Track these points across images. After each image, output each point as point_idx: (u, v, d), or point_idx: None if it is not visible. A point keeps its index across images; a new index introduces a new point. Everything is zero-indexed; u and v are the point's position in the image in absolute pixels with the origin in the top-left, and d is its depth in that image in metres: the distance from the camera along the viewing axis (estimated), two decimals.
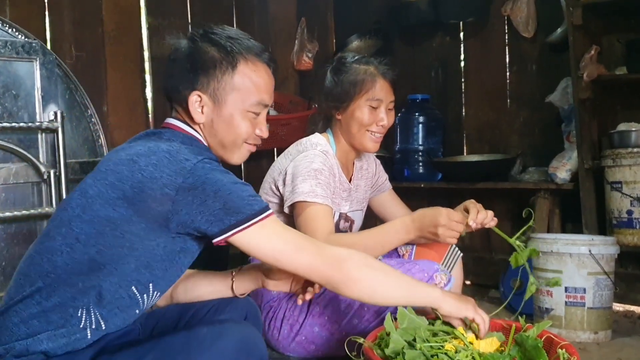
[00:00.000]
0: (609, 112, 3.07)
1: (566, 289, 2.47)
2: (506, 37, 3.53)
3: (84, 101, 2.68)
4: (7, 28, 2.46)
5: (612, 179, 2.77)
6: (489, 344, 1.52)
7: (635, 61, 2.83)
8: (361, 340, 1.56)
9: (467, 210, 1.96)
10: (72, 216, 1.35)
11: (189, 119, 1.50)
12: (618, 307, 2.91)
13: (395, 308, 1.58)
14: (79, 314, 1.32)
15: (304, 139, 2.15)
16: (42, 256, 1.35)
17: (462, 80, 3.73)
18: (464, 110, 3.74)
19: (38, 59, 2.45)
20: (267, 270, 1.63)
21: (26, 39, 2.47)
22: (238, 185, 1.37)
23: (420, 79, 3.87)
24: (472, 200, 1.98)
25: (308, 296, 1.61)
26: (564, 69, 3.09)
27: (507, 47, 3.53)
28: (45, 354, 1.30)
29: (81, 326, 1.32)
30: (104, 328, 1.35)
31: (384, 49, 3.83)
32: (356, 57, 2.16)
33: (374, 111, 2.09)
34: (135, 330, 1.51)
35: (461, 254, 2.25)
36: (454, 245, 2.20)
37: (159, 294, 1.43)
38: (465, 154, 3.71)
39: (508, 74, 3.55)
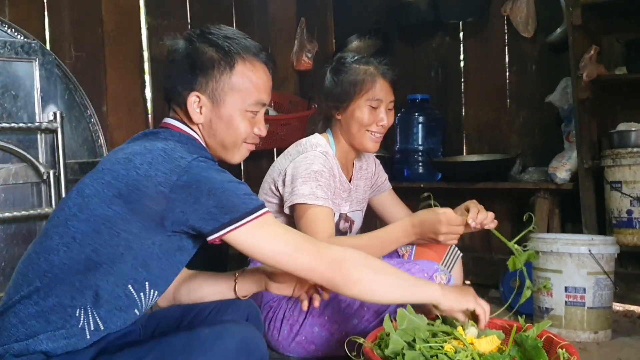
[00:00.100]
0: (609, 112, 3.07)
1: (566, 289, 2.47)
2: (506, 37, 3.53)
3: (84, 101, 2.67)
4: (6, 28, 2.46)
5: (612, 179, 2.77)
6: (489, 342, 1.52)
7: (635, 61, 2.83)
8: (361, 340, 1.56)
9: (467, 210, 1.96)
10: (68, 215, 1.36)
11: (187, 119, 1.50)
12: (618, 306, 2.91)
13: (395, 308, 1.59)
14: (77, 314, 1.32)
15: (304, 140, 2.15)
16: (39, 256, 1.35)
17: (462, 80, 3.73)
18: (463, 110, 3.74)
19: (37, 59, 2.45)
20: (270, 273, 1.63)
21: (25, 40, 2.47)
22: (233, 183, 1.36)
23: (420, 79, 3.87)
24: (474, 201, 1.99)
25: (317, 303, 1.62)
26: (563, 69, 3.09)
27: (506, 47, 3.53)
28: (46, 353, 1.30)
29: (80, 326, 1.32)
30: (102, 329, 1.35)
31: (383, 49, 3.83)
32: (356, 57, 2.16)
33: (374, 111, 2.09)
34: (136, 331, 1.51)
35: (461, 254, 2.25)
36: (453, 245, 2.21)
37: (156, 292, 1.42)
38: (465, 154, 3.71)
39: (508, 74, 3.55)
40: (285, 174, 2.04)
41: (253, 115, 1.52)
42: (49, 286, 1.32)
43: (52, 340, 1.30)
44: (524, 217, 1.91)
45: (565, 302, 2.47)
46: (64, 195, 2.42)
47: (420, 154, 3.63)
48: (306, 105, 3.82)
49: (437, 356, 1.45)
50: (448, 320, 1.62)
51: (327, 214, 1.98)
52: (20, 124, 2.37)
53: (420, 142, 3.62)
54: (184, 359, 1.27)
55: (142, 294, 1.39)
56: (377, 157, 2.45)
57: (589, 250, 2.44)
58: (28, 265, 1.37)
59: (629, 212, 2.72)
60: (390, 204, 2.40)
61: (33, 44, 2.44)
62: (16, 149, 2.37)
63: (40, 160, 2.44)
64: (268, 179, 2.15)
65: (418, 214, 2.00)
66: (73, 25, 2.98)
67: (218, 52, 1.47)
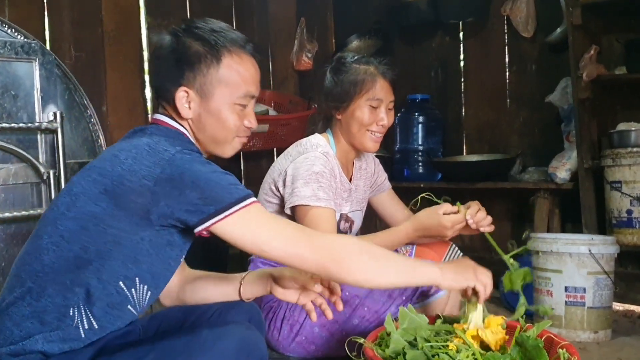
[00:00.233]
0: (609, 111, 3.07)
1: (566, 289, 2.47)
2: (506, 37, 3.53)
3: (84, 101, 2.67)
4: (6, 28, 2.45)
5: (612, 179, 2.77)
6: (494, 333, 1.52)
7: (635, 61, 2.83)
8: (361, 340, 1.56)
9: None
10: (57, 215, 1.36)
11: (177, 115, 1.49)
12: (618, 306, 2.91)
13: (396, 308, 1.58)
14: (71, 313, 1.32)
15: (304, 140, 2.15)
16: (30, 256, 1.35)
17: (462, 80, 3.73)
18: (463, 110, 3.74)
19: (37, 59, 2.44)
20: (276, 277, 1.61)
21: (25, 40, 2.47)
22: (217, 174, 1.34)
23: (420, 79, 3.87)
24: (476, 201, 2.00)
25: (329, 314, 1.60)
26: (563, 69, 3.09)
27: (506, 47, 3.54)
28: (43, 353, 1.30)
29: (74, 325, 1.32)
30: (96, 327, 1.34)
31: (383, 49, 3.83)
32: (356, 57, 2.16)
33: (374, 111, 2.09)
34: (136, 330, 1.50)
35: (461, 254, 2.25)
36: (454, 245, 2.22)
37: (145, 287, 1.40)
38: (465, 153, 3.72)
39: (508, 73, 3.55)
40: (286, 175, 2.04)
41: (242, 108, 1.50)
42: (41, 286, 1.32)
43: (48, 341, 1.30)
44: (523, 235, 1.90)
45: (565, 302, 2.47)
46: None
47: (420, 154, 3.63)
48: (306, 105, 3.82)
49: (438, 355, 1.45)
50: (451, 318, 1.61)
51: (330, 215, 1.98)
52: (20, 124, 2.37)
53: (420, 142, 3.62)
54: (184, 359, 1.27)
55: (133, 290, 1.38)
56: (377, 157, 2.45)
57: (589, 250, 2.44)
58: (20, 267, 1.37)
59: (629, 211, 2.72)
60: (389, 203, 2.40)
61: (33, 44, 2.44)
62: (16, 149, 2.37)
63: (40, 160, 2.44)
64: (268, 179, 2.15)
65: (419, 217, 2.00)
66: (73, 25, 2.98)
67: (204, 45, 1.46)
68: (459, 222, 1.94)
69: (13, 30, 2.47)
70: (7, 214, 2.33)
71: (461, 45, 3.73)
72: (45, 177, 2.41)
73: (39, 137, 2.46)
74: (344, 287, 1.96)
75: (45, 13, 2.90)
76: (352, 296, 1.97)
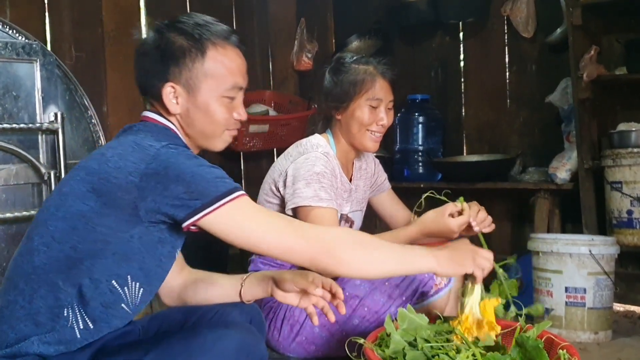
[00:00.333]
0: (609, 112, 3.07)
1: (566, 289, 2.48)
2: (506, 37, 3.53)
3: (84, 102, 2.68)
4: (7, 29, 2.46)
5: (612, 179, 2.77)
6: (490, 304, 1.53)
7: (635, 61, 2.84)
8: (361, 340, 1.56)
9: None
10: (47, 215, 1.35)
11: (165, 111, 1.48)
12: (618, 307, 2.91)
13: (396, 309, 1.58)
14: (65, 314, 1.31)
15: (304, 140, 2.15)
16: (23, 258, 1.35)
17: (462, 80, 3.73)
18: (463, 111, 3.74)
19: (38, 60, 2.45)
20: (277, 280, 1.60)
21: (26, 40, 2.47)
22: (203, 167, 1.33)
23: (420, 79, 3.87)
24: (474, 202, 2.00)
25: (332, 317, 1.57)
26: (563, 69, 3.09)
27: (506, 47, 3.54)
28: (40, 355, 1.30)
29: (69, 326, 1.32)
30: (92, 327, 1.34)
31: (383, 49, 3.83)
32: (355, 57, 2.16)
33: (374, 111, 2.09)
34: (135, 331, 1.50)
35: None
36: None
37: (137, 284, 1.39)
38: (465, 154, 3.72)
39: (508, 74, 3.55)
40: (287, 176, 2.04)
41: (230, 101, 1.49)
42: (33, 288, 1.31)
43: (43, 342, 1.29)
44: (508, 259, 1.86)
45: (566, 302, 2.47)
46: None
47: (420, 154, 3.63)
48: (306, 105, 3.82)
49: (438, 356, 1.45)
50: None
51: (332, 215, 1.98)
52: (21, 125, 2.38)
53: (420, 142, 3.63)
54: (183, 359, 1.27)
55: (125, 288, 1.37)
56: (377, 157, 2.45)
57: (589, 251, 2.45)
58: (13, 269, 1.36)
59: (629, 212, 2.72)
60: (389, 203, 2.40)
61: (34, 45, 2.44)
62: (17, 149, 2.37)
63: (41, 160, 2.44)
64: (268, 179, 2.15)
65: (425, 221, 1.96)
66: (73, 26, 2.98)
67: (188, 39, 1.45)
68: (465, 224, 1.94)
69: (14, 31, 2.47)
70: (8, 215, 2.33)
71: (461, 45, 3.73)
72: (46, 178, 2.42)
73: (39, 137, 2.46)
74: (343, 287, 1.96)
75: (46, 13, 2.90)
76: (352, 296, 1.98)
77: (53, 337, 1.30)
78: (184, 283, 1.66)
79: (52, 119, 2.46)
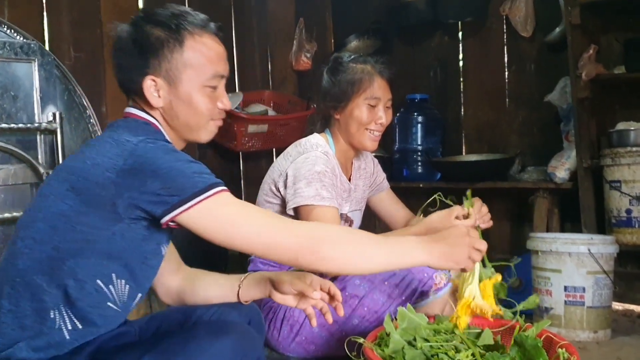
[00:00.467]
0: (608, 111, 3.07)
1: (565, 288, 2.48)
2: (505, 37, 3.53)
3: (83, 102, 2.68)
4: (5, 29, 2.46)
5: (611, 178, 2.77)
6: (489, 285, 1.52)
7: (634, 60, 2.83)
8: (361, 340, 1.56)
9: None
10: (29, 217, 1.35)
11: (147, 106, 1.46)
12: (617, 306, 2.91)
13: (395, 308, 1.58)
14: (52, 316, 1.30)
15: (303, 140, 2.15)
16: (7, 262, 1.34)
17: (461, 80, 3.73)
18: (462, 110, 3.74)
19: (37, 60, 2.45)
20: (275, 282, 1.59)
21: (25, 40, 2.47)
22: (182, 162, 1.30)
23: (419, 79, 3.87)
24: (477, 198, 1.99)
25: (330, 318, 1.56)
26: (562, 69, 3.09)
27: (505, 47, 3.54)
28: None
29: (57, 327, 1.30)
30: (80, 327, 1.33)
31: (382, 49, 3.82)
32: (353, 57, 2.17)
33: (372, 110, 2.09)
34: (132, 331, 1.49)
35: None
36: None
37: (124, 281, 1.37)
38: (464, 153, 3.72)
39: (507, 73, 3.55)
40: (287, 176, 2.04)
41: (213, 90, 1.46)
42: (18, 292, 1.30)
43: (32, 348, 1.28)
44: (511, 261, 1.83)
45: (565, 301, 2.48)
46: None
47: (419, 153, 3.63)
48: (305, 105, 3.82)
49: (437, 355, 1.45)
50: None
51: (334, 213, 1.98)
52: (20, 125, 2.38)
53: (419, 142, 3.63)
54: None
55: (111, 286, 1.35)
56: (376, 156, 2.45)
57: (589, 250, 2.45)
58: None
59: (628, 211, 2.72)
60: (388, 203, 2.40)
61: (32, 45, 2.44)
62: (16, 149, 2.37)
63: (40, 160, 2.44)
64: (268, 179, 2.15)
65: (432, 223, 1.92)
66: (72, 26, 2.97)
67: (165, 30, 1.42)
68: (469, 223, 1.92)
69: (12, 30, 2.47)
70: (6, 215, 2.33)
71: (460, 45, 3.73)
72: (44, 178, 2.41)
73: (38, 137, 2.46)
74: (344, 287, 1.96)
75: (45, 13, 2.89)
76: (352, 296, 1.98)
77: (42, 341, 1.29)
78: (181, 282, 1.65)
79: (51, 119, 2.45)
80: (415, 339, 1.52)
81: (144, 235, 1.35)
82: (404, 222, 2.32)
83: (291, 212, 2.03)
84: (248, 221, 1.32)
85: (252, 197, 2.13)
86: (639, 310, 2.93)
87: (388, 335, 1.54)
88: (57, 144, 2.46)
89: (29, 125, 2.40)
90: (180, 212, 1.27)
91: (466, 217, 1.90)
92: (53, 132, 2.46)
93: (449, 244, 1.43)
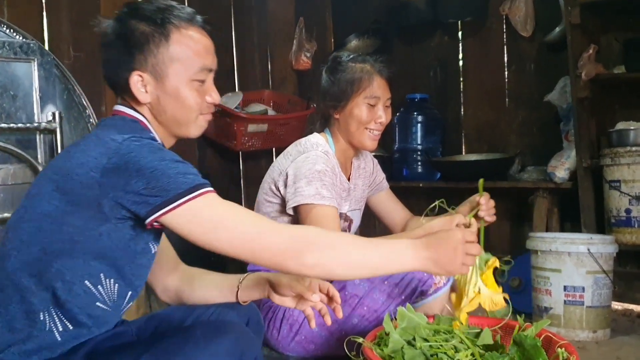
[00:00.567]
0: (607, 111, 3.08)
1: (565, 288, 2.48)
2: (504, 37, 3.53)
3: (82, 101, 2.67)
4: (4, 28, 2.46)
5: (611, 178, 2.77)
6: (489, 275, 1.52)
7: (633, 60, 2.84)
8: (360, 339, 1.56)
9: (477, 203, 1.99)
10: (17, 219, 1.33)
11: (135, 102, 1.43)
12: (617, 305, 2.91)
13: (395, 308, 1.58)
14: (41, 318, 1.29)
15: (303, 139, 2.15)
16: None
17: (461, 79, 3.74)
18: (462, 110, 3.74)
19: (36, 59, 2.45)
20: (273, 283, 1.58)
21: (24, 40, 2.47)
22: (166, 162, 1.26)
23: (419, 79, 3.87)
24: (486, 194, 2.00)
25: (328, 320, 1.54)
26: (562, 68, 3.09)
27: (505, 47, 3.54)
28: None
29: (47, 329, 1.29)
30: (71, 328, 1.31)
31: (382, 49, 3.82)
32: (351, 56, 2.17)
33: (372, 109, 2.10)
34: (129, 331, 1.48)
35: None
36: None
37: (112, 280, 1.35)
38: (464, 153, 3.72)
39: (506, 73, 3.55)
40: (287, 175, 2.04)
41: (200, 84, 1.44)
42: (8, 294, 1.29)
43: (23, 351, 1.27)
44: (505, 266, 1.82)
45: (564, 301, 2.48)
46: None
47: (419, 153, 3.63)
48: (305, 104, 3.82)
49: (437, 355, 1.45)
50: None
51: (334, 213, 1.98)
52: (19, 125, 2.38)
53: (419, 142, 3.63)
54: None
55: (99, 287, 1.33)
56: (376, 156, 2.45)
57: (588, 249, 2.45)
58: None
59: (628, 211, 2.72)
60: (387, 203, 2.40)
61: (32, 44, 2.44)
62: (15, 149, 2.37)
63: (39, 160, 2.44)
64: (268, 179, 2.15)
65: (431, 230, 1.91)
66: (72, 25, 2.97)
67: (150, 25, 1.39)
68: (470, 236, 1.89)
69: (12, 30, 2.47)
70: (6, 214, 2.33)
71: (460, 44, 3.73)
72: None
73: (37, 137, 2.46)
74: (344, 286, 1.96)
75: (44, 13, 2.89)
76: (352, 295, 1.98)
77: (33, 344, 1.28)
78: (179, 281, 1.64)
79: (50, 118, 2.45)
80: (414, 339, 1.52)
81: (131, 234, 1.32)
82: (403, 223, 2.32)
83: (291, 212, 2.03)
84: (233, 224, 1.28)
85: (252, 197, 2.13)
86: (638, 310, 2.93)
87: (387, 334, 1.54)
88: (57, 144, 2.46)
89: (28, 124, 2.40)
90: (163, 214, 1.24)
91: (467, 226, 1.87)
92: (52, 131, 2.46)
93: (440, 251, 1.38)
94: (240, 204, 4.03)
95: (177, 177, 1.25)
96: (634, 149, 2.70)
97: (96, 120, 2.71)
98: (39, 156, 2.44)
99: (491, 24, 3.56)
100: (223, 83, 3.83)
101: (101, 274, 1.33)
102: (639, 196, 2.68)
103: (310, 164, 2.01)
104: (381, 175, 2.39)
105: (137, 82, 1.40)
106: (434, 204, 1.98)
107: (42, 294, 1.29)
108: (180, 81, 1.41)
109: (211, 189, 1.29)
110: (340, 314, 1.53)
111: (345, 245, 1.35)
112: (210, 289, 1.63)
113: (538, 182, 3.13)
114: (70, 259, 1.29)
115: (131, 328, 1.49)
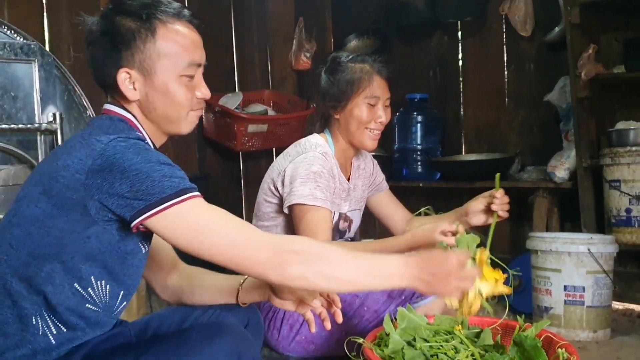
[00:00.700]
0: (607, 110, 3.08)
1: (565, 288, 2.48)
2: (504, 36, 3.54)
3: (83, 102, 2.67)
4: (5, 29, 2.46)
5: (611, 178, 2.77)
6: (488, 270, 1.51)
7: (633, 60, 2.84)
8: (360, 340, 1.56)
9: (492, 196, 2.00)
10: (5, 223, 1.32)
11: (124, 100, 1.41)
12: (617, 305, 2.91)
13: (395, 308, 1.58)
14: (34, 322, 1.28)
15: (303, 140, 2.15)
16: None
17: (461, 79, 3.74)
18: (462, 110, 3.75)
19: (36, 60, 2.45)
20: (275, 287, 1.55)
21: (25, 41, 2.47)
22: (151, 165, 1.23)
23: (419, 79, 3.87)
24: (501, 190, 1.98)
25: (328, 325, 1.52)
26: (561, 68, 3.09)
27: (505, 46, 3.54)
28: None
29: (41, 333, 1.28)
30: (65, 330, 1.30)
31: (382, 49, 3.82)
32: (351, 56, 2.17)
33: (372, 108, 2.10)
34: (126, 333, 1.47)
35: None
36: None
37: (104, 281, 1.33)
38: (463, 153, 3.72)
39: (506, 73, 3.55)
40: (285, 175, 2.04)
41: (190, 79, 1.41)
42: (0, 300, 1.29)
43: (18, 356, 1.26)
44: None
45: (565, 301, 2.48)
46: None
47: (419, 153, 3.63)
48: (305, 104, 3.83)
49: (437, 355, 1.45)
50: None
51: (326, 215, 1.99)
52: (20, 125, 2.38)
53: (419, 142, 3.63)
54: None
55: (89, 289, 1.32)
56: (375, 156, 2.45)
57: (588, 249, 2.45)
58: None
59: (628, 210, 2.72)
60: (387, 204, 2.40)
61: (32, 45, 2.44)
62: (16, 150, 2.37)
63: (40, 161, 2.44)
64: (267, 179, 2.15)
65: (415, 236, 1.90)
66: (72, 26, 2.97)
67: (135, 20, 1.36)
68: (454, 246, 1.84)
69: (12, 31, 2.47)
70: None
71: (460, 44, 3.73)
72: None
73: (38, 138, 2.46)
74: None
75: (45, 14, 2.90)
76: (352, 296, 1.98)
77: (27, 349, 1.27)
78: (179, 281, 1.62)
79: (51, 119, 2.45)
80: (414, 339, 1.52)
81: (120, 235, 1.30)
82: (402, 223, 2.32)
83: (286, 211, 2.04)
84: (217, 230, 1.25)
85: (252, 197, 2.13)
86: (638, 309, 2.94)
87: (387, 335, 1.54)
88: (58, 144, 2.46)
89: (29, 125, 2.40)
90: (147, 218, 1.22)
91: (454, 233, 1.84)
92: (53, 132, 2.46)
93: (432, 274, 1.31)
94: (240, 204, 4.08)
95: (161, 181, 1.22)
96: (633, 148, 2.70)
97: None
98: (39, 157, 2.44)
99: (491, 23, 3.57)
100: (223, 83, 3.83)
101: (92, 277, 1.31)
102: (639, 196, 2.68)
103: (307, 165, 2.01)
104: (381, 176, 2.39)
105: (125, 79, 1.37)
106: (418, 212, 1.98)
107: (33, 298, 1.27)
108: (169, 77, 1.38)
109: (197, 193, 1.26)
110: (340, 319, 1.51)
111: (331, 260, 1.29)
112: (211, 290, 1.62)
113: (538, 182, 3.13)
114: (59, 263, 1.27)
115: (129, 330, 1.48)
